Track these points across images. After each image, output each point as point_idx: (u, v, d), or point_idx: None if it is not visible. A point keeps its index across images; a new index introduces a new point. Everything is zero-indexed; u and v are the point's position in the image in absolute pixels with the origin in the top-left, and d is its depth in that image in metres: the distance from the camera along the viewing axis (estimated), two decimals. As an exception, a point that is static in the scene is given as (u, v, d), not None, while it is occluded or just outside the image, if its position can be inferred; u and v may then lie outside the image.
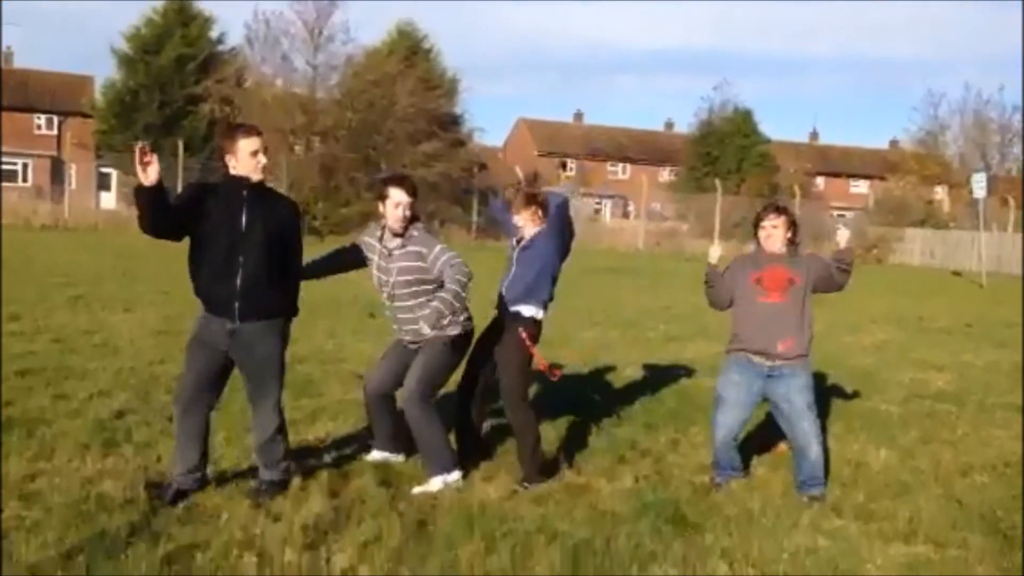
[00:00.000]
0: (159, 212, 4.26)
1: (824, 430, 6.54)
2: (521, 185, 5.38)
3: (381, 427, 5.30)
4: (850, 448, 6.15)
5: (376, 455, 5.30)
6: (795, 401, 5.05)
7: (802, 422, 5.06)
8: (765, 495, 5.06)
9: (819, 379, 8.28)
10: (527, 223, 5.28)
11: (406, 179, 5.14)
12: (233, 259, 4.38)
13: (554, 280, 5.28)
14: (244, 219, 4.38)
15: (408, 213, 4.97)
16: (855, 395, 7.87)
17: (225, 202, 4.40)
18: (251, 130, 4.52)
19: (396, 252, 5.00)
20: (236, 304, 4.41)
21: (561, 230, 5.26)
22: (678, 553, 4.16)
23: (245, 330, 4.46)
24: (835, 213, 47.07)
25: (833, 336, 11.52)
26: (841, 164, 61.77)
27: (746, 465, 5.49)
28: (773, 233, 5.08)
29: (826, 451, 5.35)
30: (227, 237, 4.37)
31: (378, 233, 5.10)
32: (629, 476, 5.29)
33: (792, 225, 5.11)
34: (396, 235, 5.00)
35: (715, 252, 5.29)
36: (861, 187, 59.55)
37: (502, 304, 5.24)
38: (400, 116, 34.04)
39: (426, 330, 4.83)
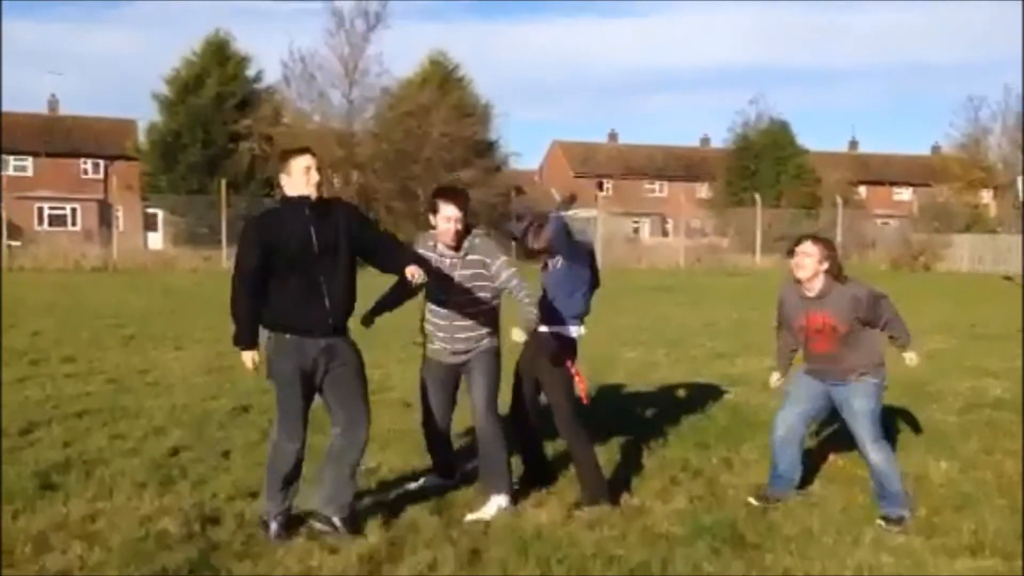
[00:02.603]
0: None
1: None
2: (531, 220, 5.30)
3: (441, 456, 5.40)
4: (909, 461, 6.02)
5: (432, 480, 5.37)
6: (853, 403, 4.99)
7: (860, 427, 4.99)
8: (824, 512, 4.97)
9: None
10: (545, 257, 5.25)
11: (459, 193, 5.06)
12: (315, 278, 4.38)
13: (586, 293, 5.20)
14: (315, 236, 4.40)
15: (460, 227, 4.90)
16: (910, 407, 7.71)
17: (290, 225, 4.41)
18: (303, 149, 4.60)
19: (455, 262, 4.93)
20: (330, 320, 4.42)
21: (567, 249, 5.15)
22: (737, 574, 4.10)
23: (338, 346, 4.49)
24: (879, 221, 46.46)
25: (883, 346, 11.31)
26: (883, 172, 60.97)
27: (804, 483, 5.40)
28: (802, 263, 4.96)
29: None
30: (303, 261, 4.37)
31: (431, 243, 5.00)
32: (683, 497, 5.23)
33: (828, 257, 4.96)
34: (450, 248, 4.93)
35: (774, 380, 5.34)
36: (904, 194, 58.70)
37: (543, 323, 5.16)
38: (435, 145, 34.35)
39: (520, 336, 4.78)
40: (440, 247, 4.96)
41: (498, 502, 4.93)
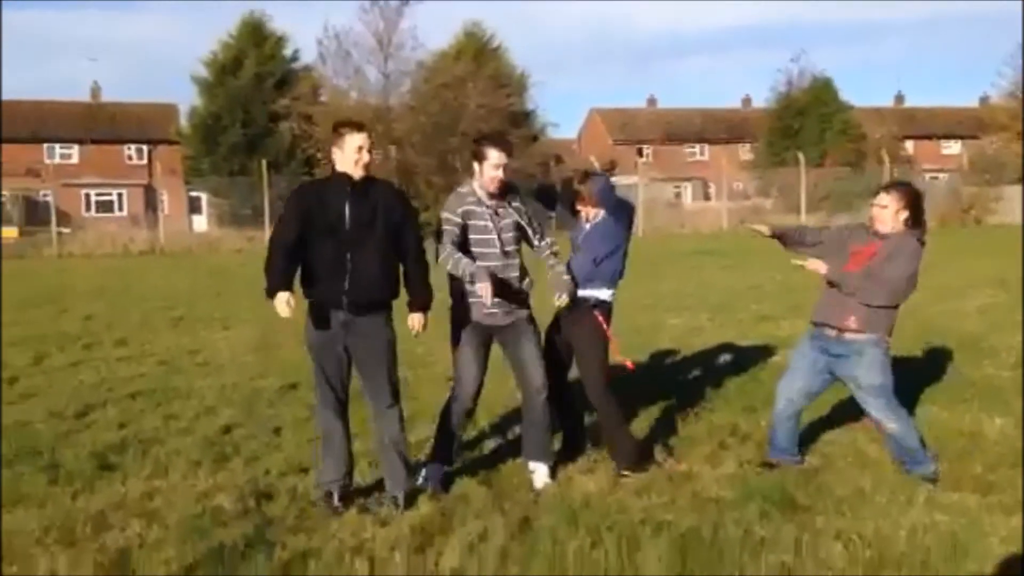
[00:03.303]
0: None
1: (934, 401, 6.35)
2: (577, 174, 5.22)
3: (455, 438, 5.03)
4: (962, 419, 5.92)
5: (435, 472, 4.99)
6: (860, 381, 4.86)
7: (868, 403, 4.89)
8: (877, 473, 4.91)
9: (924, 348, 8.03)
10: (589, 211, 5.14)
11: (506, 139, 5.00)
12: (340, 253, 4.44)
13: (625, 252, 5.16)
14: (348, 214, 4.46)
15: (505, 175, 4.83)
16: (963, 363, 7.58)
17: (329, 199, 4.49)
18: (358, 126, 4.60)
19: (501, 211, 4.85)
20: (347, 297, 4.47)
21: (613, 202, 5.11)
22: (789, 537, 4.07)
23: (360, 324, 4.52)
24: (927, 176, 45.48)
25: (936, 302, 11.12)
26: (930, 125, 59.53)
27: (854, 444, 5.33)
28: (880, 214, 4.83)
29: (936, 424, 5.16)
30: (333, 234, 4.45)
31: (470, 199, 4.81)
32: (732, 461, 5.20)
33: (909, 204, 4.78)
34: (493, 197, 4.83)
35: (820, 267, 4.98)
36: (953, 148, 57.30)
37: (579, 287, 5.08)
38: (472, 116, 34.25)
39: (563, 299, 4.79)
40: (481, 196, 4.82)
41: (545, 470, 4.95)
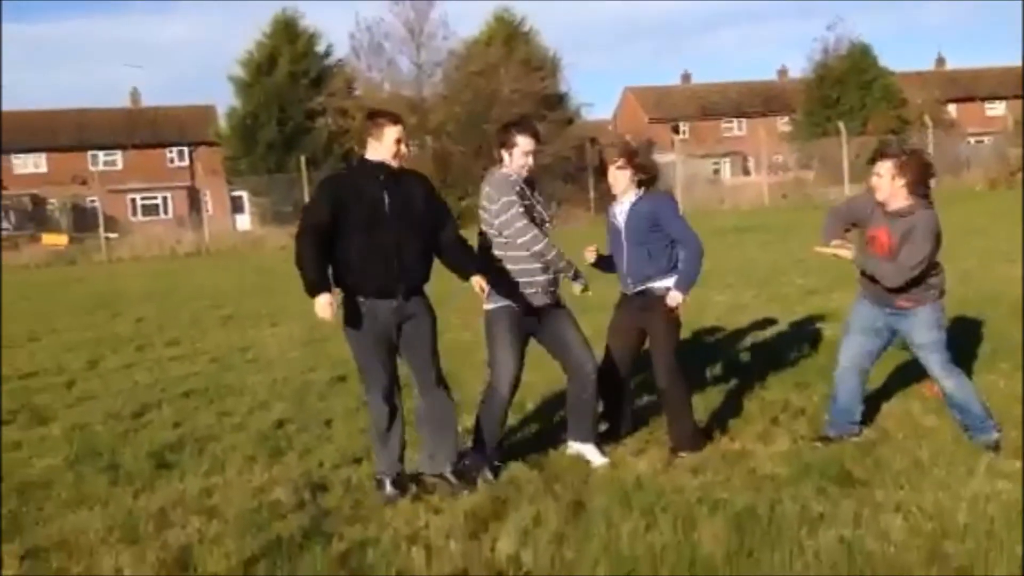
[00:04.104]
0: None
1: (991, 369, 6.21)
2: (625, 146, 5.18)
3: (500, 427, 4.98)
4: (1020, 385, 5.79)
5: (478, 462, 4.90)
6: (915, 338, 4.82)
7: (927, 359, 4.82)
8: (935, 444, 4.83)
9: (978, 315, 7.86)
10: (625, 184, 5.06)
11: (532, 124, 5.00)
12: (387, 240, 4.44)
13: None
14: (387, 200, 4.46)
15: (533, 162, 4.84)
16: (1018, 329, 7.40)
17: (364, 187, 4.47)
18: (395, 118, 4.62)
19: (536, 195, 4.89)
20: (399, 284, 4.49)
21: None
22: (848, 512, 4.02)
23: (409, 307, 4.54)
24: (972, 140, 44.45)
25: (988, 268, 10.89)
26: (973, 87, 58.14)
27: (909, 415, 5.24)
28: (878, 183, 4.72)
29: (995, 391, 5.06)
30: (373, 223, 4.43)
31: (518, 189, 4.76)
32: (786, 438, 5.15)
33: (908, 170, 4.64)
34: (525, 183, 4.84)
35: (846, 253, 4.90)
36: (998, 109, 55.86)
37: (643, 280, 5.06)
38: (506, 102, 34.16)
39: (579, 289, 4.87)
40: (519, 183, 4.82)
41: (594, 449, 4.96)
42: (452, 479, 4.66)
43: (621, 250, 5.12)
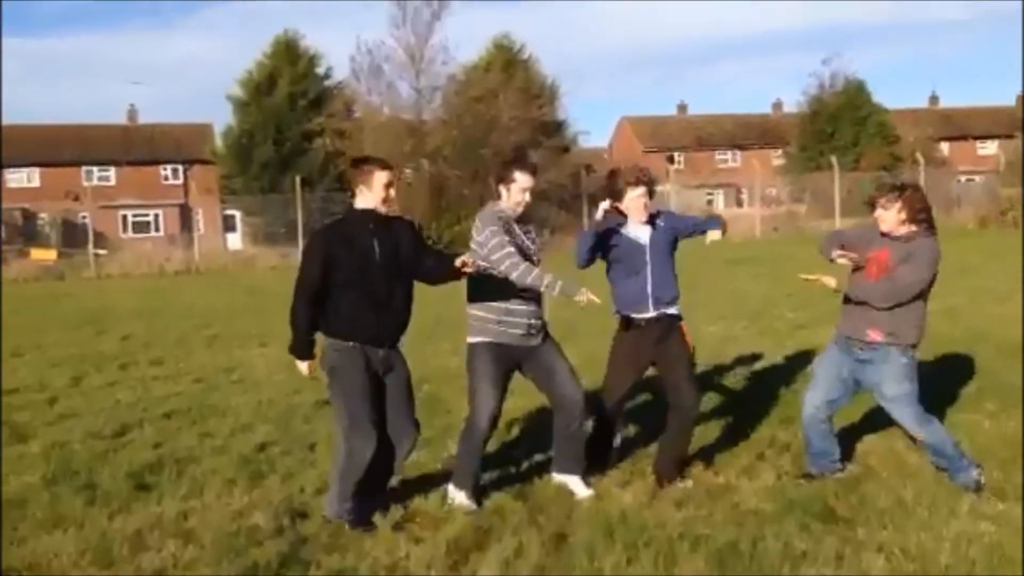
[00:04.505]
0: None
1: (978, 408, 6.20)
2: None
3: (478, 464, 4.90)
4: (1007, 426, 5.79)
5: (457, 496, 4.85)
6: (884, 391, 4.79)
7: (895, 412, 4.80)
8: (918, 483, 4.81)
9: (966, 354, 7.86)
10: (643, 209, 5.03)
11: (529, 161, 5.07)
12: (378, 290, 4.49)
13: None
14: (377, 249, 4.50)
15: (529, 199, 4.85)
16: (1006, 369, 7.40)
17: (355, 238, 4.50)
18: (386, 164, 4.65)
19: (529, 234, 4.91)
20: (388, 332, 4.55)
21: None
22: (830, 550, 3.99)
23: (391, 357, 4.60)
24: (963, 178, 44.76)
25: (977, 307, 10.91)
26: (965, 126, 58.62)
27: (893, 454, 5.23)
28: (883, 215, 4.77)
29: (980, 432, 5.05)
30: (364, 274, 4.48)
31: (503, 216, 4.78)
32: (770, 473, 5.12)
33: (912, 207, 4.71)
34: (518, 220, 4.87)
35: (831, 282, 4.96)
36: (990, 148, 56.30)
37: (666, 303, 5.04)
38: (504, 128, 34.32)
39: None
40: (511, 216, 4.83)
41: (579, 481, 4.93)
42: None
43: (642, 271, 5.00)
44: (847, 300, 4.90)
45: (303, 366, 4.63)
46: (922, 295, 4.73)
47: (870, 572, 3.79)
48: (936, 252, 4.72)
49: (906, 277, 4.65)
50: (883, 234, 4.80)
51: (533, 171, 4.90)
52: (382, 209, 4.56)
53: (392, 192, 4.57)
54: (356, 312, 4.48)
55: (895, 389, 4.76)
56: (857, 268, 4.86)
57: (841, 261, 4.87)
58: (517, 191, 4.81)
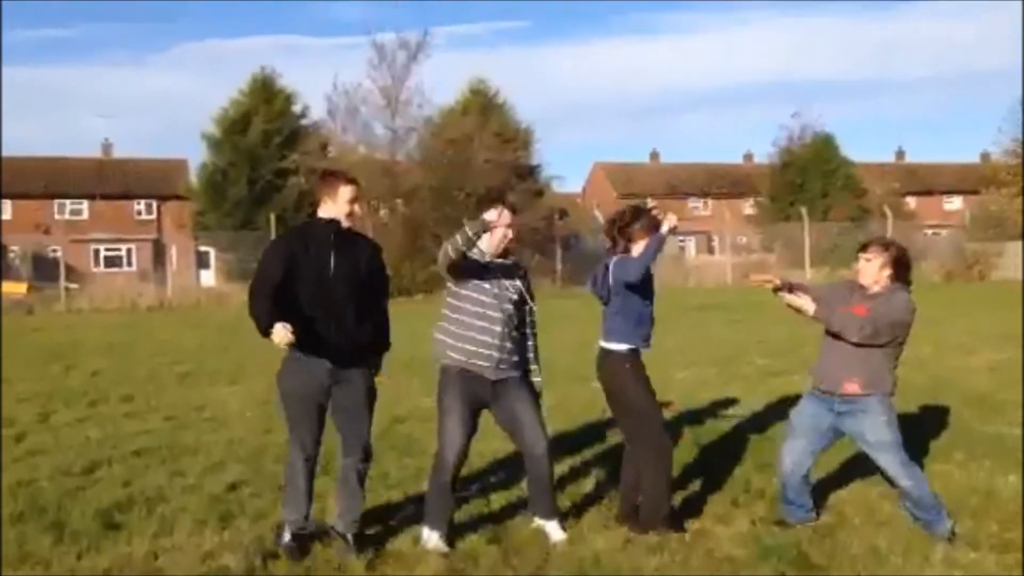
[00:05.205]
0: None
1: (947, 459, 6.28)
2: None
3: (450, 503, 4.91)
4: (976, 476, 5.86)
5: (431, 538, 4.81)
6: (868, 439, 4.83)
7: (880, 459, 4.84)
8: (892, 530, 4.85)
9: (933, 405, 7.97)
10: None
11: (507, 199, 5.14)
12: (329, 301, 4.49)
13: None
14: (333, 262, 4.50)
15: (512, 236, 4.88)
16: (974, 419, 7.52)
17: (314, 247, 4.50)
18: (351, 179, 4.66)
19: (506, 271, 4.89)
20: (337, 345, 4.51)
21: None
22: (804, 598, 4.01)
23: (345, 372, 4.58)
24: (929, 231, 45.57)
25: (942, 358, 11.08)
26: (932, 181, 59.90)
27: (866, 501, 5.27)
28: (865, 267, 4.86)
29: (950, 482, 5.11)
30: (318, 282, 4.48)
31: (476, 253, 4.78)
32: (745, 519, 5.14)
33: (896, 263, 4.82)
34: (499, 257, 4.87)
35: (775, 280, 5.03)
36: (955, 203, 57.56)
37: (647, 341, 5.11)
38: (479, 171, 34.53)
39: (536, 377, 4.89)
40: (487, 256, 4.83)
41: (556, 525, 4.91)
42: (350, 542, 4.63)
43: (652, 302, 5.08)
44: (822, 353, 4.94)
45: (277, 328, 4.29)
46: (896, 341, 4.79)
47: (844, 620, 3.81)
48: (912, 303, 4.80)
49: (883, 316, 4.70)
50: (861, 287, 4.87)
51: (513, 207, 4.95)
52: (346, 223, 4.56)
53: (357, 208, 4.57)
54: (306, 321, 4.44)
55: (878, 436, 4.79)
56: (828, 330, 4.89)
57: (803, 305, 4.83)
58: (498, 232, 4.78)
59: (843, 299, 4.91)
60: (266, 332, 4.35)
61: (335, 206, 4.55)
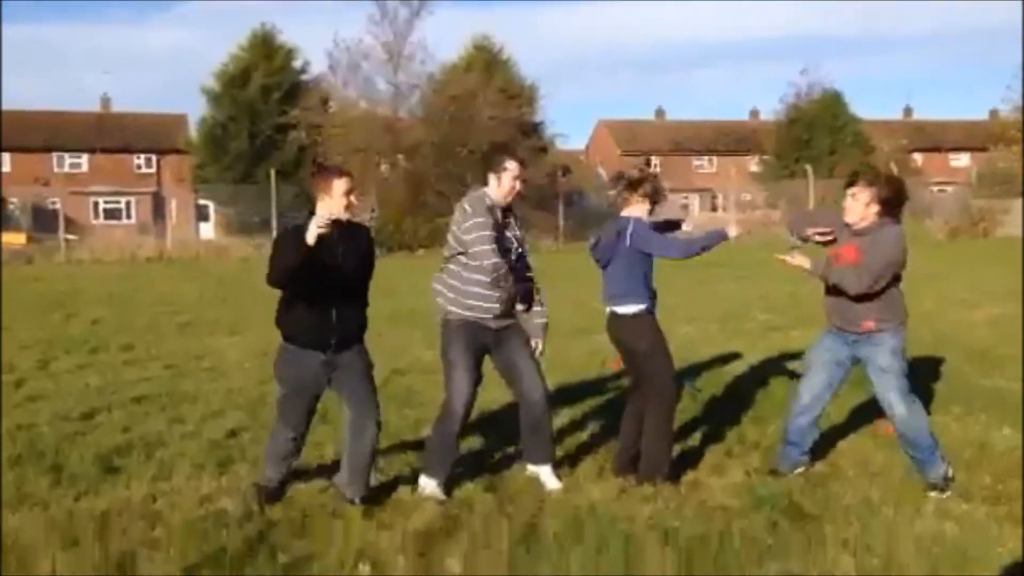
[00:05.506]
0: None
1: (945, 411, 6.29)
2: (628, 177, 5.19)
3: (454, 453, 4.95)
4: (972, 429, 5.88)
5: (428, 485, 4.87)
6: (878, 364, 4.80)
7: (886, 384, 4.79)
8: (884, 482, 4.88)
9: (933, 358, 7.98)
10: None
11: (517, 152, 5.10)
12: (331, 295, 4.50)
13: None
14: (341, 259, 4.50)
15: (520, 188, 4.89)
16: (973, 373, 7.53)
17: (321, 245, 4.42)
18: (343, 172, 4.64)
19: (511, 222, 4.92)
20: (333, 338, 4.53)
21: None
22: (797, 545, 4.04)
23: (341, 358, 4.58)
24: (936, 188, 45.35)
25: (944, 313, 11.07)
26: (939, 138, 59.42)
27: (862, 452, 5.29)
28: (851, 205, 4.79)
29: (946, 434, 5.12)
30: (325, 278, 4.47)
31: (488, 202, 4.79)
32: (739, 470, 5.16)
33: (881, 198, 4.73)
34: (506, 208, 4.88)
35: (805, 262, 4.92)
36: (962, 160, 57.17)
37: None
38: (482, 128, 34.30)
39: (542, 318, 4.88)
40: (498, 203, 4.85)
41: (550, 471, 4.94)
42: (356, 503, 4.59)
43: (651, 273, 5.10)
44: (829, 292, 4.92)
45: (311, 226, 4.22)
46: (897, 279, 4.77)
47: (835, 568, 3.83)
48: (901, 234, 4.75)
49: (874, 263, 4.68)
50: (847, 225, 4.83)
51: (522, 160, 4.95)
52: (345, 216, 4.56)
53: (353, 199, 4.57)
54: (302, 316, 4.50)
55: (887, 361, 4.78)
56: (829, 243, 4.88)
57: (817, 239, 4.89)
58: (509, 179, 4.83)
59: (838, 230, 4.87)
60: (302, 248, 4.25)
61: (332, 201, 4.52)
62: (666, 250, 5.00)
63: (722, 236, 5.01)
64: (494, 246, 4.71)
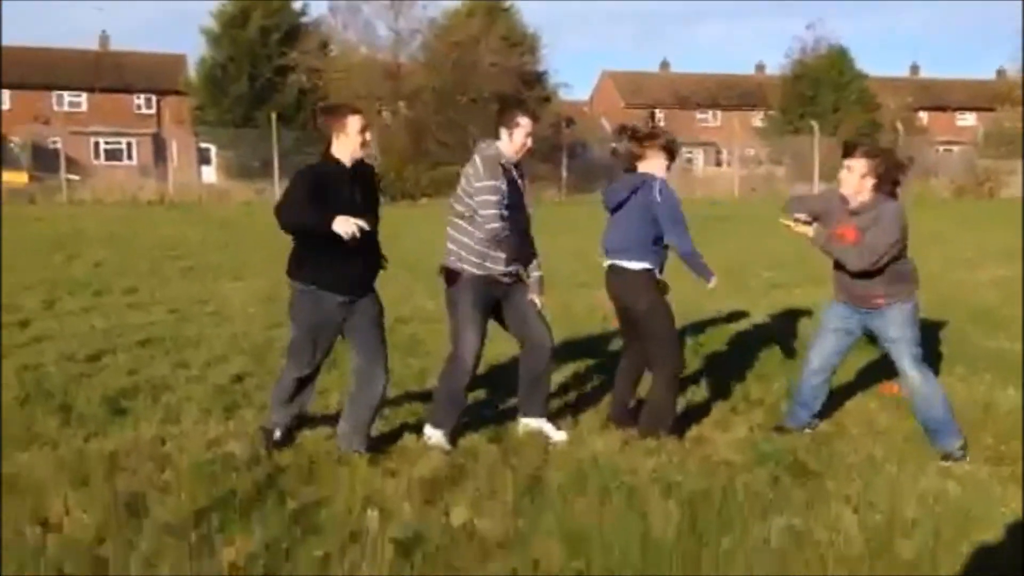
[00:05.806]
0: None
1: (949, 372, 6.32)
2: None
3: (462, 405, 4.99)
4: (976, 389, 5.91)
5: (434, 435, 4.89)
6: (889, 335, 4.80)
7: (900, 353, 4.79)
8: (888, 441, 4.91)
9: (937, 320, 7.99)
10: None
11: (527, 104, 5.11)
12: (356, 241, 4.39)
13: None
14: (359, 200, 4.46)
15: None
16: (977, 334, 7.54)
17: (338, 189, 4.43)
18: (355, 109, 4.57)
19: (521, 178, 4.90)
20: (358, 281, 4.53)
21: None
22: (799, 500, 4.08)
23: (359, 303, 4.57)
24: (941, 148, 45.07)
25: (949, 274, 11.06)
26: (945, 97, 58.84)
27: (866, 412, 5.32)
28: (846, 177, 4.73)
29: (950, 394, 5.12)
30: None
31: (502, 161, 4.78)
32: (743, 426, 5.20)
33: (878, 172, 4.67)
34: (515, 163, 4.86)
35: (808, 231, 4.90)
36: (968, 119, 56.73)
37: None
38: (484, 75, 33.92)
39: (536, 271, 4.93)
40: (509, 158, 4.83)
41: (549, 425, 5.00)
42: (362, 453, 4.59)
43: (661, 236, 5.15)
44: (836, 267, 4.90)
45: (340, 219, 4.23)
46: (900, 255, 4.75)
47: (838, 523, 3.87)
48: (900, 211, 4.70)
49: (875, 241, 4.64)
50: (843, 201, 4.78)
51: (534, 114, 4.91)
52: (359, 154, 4.50)
53: (367, 136, 4.52)
54: (330, 260, 4.43)
55: (898, 331, 4.77)
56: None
57: (799, 229, 4.86)
58: (521, 135, 4.79)
59: (832, 216, 4.84)
60: (327, 224, 4.23)
61: (348, 139, 4.45)
62: (682, 238, 5.06)
63: (708, 274, 5.21)
64: (500, 211, 4.69)
